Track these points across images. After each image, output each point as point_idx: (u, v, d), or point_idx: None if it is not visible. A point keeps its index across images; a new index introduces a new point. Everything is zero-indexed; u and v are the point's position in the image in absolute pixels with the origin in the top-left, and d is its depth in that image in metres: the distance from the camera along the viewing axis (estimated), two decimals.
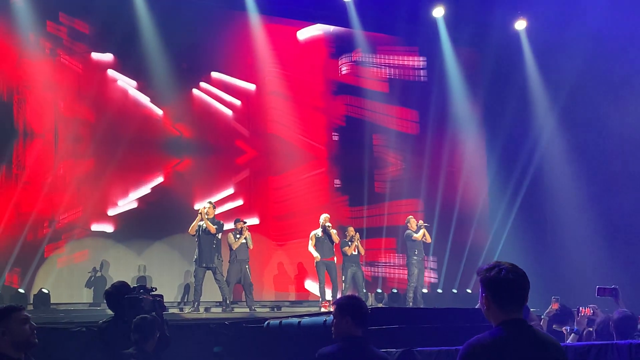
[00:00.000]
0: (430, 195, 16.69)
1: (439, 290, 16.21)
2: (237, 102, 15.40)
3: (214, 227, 12.04)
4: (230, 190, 15.04)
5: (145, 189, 14.19)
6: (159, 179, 14.38)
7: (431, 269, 16.36)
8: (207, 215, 12.10)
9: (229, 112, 15.32)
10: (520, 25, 16.52)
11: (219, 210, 13.09)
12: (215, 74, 15.21)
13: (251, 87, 15.61)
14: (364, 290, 13.64)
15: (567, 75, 14.95)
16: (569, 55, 14.78)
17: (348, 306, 4.55)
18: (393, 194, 16.60)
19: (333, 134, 16.60)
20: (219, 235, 12.21)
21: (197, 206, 13.63)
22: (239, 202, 15.12)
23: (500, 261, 3.23)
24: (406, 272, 14.06)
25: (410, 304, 13.37)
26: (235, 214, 13.88)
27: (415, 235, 13.63)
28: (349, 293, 13.22)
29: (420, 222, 13.91)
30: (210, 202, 12.46)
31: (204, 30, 14.64)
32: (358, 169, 16.45)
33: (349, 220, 15.28)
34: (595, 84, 14.98)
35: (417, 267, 13.65)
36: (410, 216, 14.15)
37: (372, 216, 16.29)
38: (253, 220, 14.82)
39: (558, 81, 15.51)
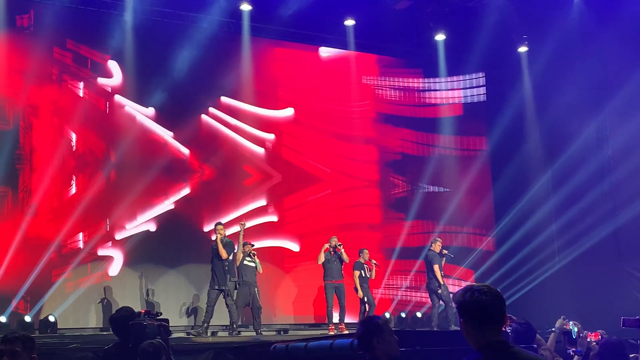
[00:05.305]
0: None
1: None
2: (247, 127, 15.38)
3: (225, 251, 12.08)
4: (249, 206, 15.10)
5: (156, 210, 14.17)
6: (186, 191, 14.45)
7: None
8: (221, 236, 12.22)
9: (237, 137, 15.30)
10: (523, 49, 16.54)
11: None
12: (224, 99, 15.21)
13: (261, 111, 15.62)
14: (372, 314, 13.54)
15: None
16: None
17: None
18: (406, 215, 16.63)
19: (344, 158, 16.56)
20: (230, 257, 12.24)
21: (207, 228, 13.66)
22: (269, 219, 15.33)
23: (473, 284, 3.18)
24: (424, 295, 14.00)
25: (435, 328, 13.24)
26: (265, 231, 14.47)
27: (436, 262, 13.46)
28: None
29: (445, 251, 13.74)
30: (219, 223, 12.56)
31: (212, 55, 14.60)
32: (367, 190, 16.52)
33: (364, 243, 15.10)
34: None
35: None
36: (437, 237, 14.06)
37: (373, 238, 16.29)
38: (294, 246, 15.40)
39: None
